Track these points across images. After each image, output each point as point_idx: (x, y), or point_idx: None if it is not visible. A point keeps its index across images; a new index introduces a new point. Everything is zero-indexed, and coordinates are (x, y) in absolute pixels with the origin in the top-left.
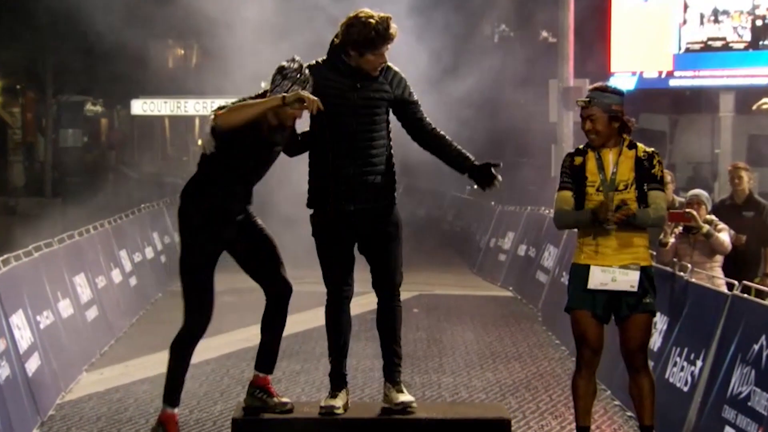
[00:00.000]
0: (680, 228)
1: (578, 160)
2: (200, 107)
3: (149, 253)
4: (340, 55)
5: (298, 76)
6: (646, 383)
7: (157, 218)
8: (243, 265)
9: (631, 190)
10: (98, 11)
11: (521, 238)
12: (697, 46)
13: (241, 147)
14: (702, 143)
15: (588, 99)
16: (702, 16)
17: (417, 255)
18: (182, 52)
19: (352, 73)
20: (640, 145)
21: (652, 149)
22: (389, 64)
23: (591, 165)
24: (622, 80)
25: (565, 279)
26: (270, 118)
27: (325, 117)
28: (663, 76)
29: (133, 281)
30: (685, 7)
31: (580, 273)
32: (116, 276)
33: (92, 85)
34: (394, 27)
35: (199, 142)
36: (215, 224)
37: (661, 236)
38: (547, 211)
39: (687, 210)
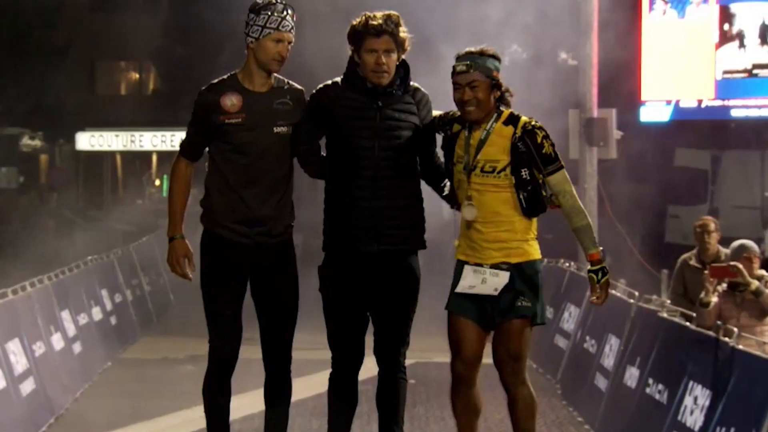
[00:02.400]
0: (724, 285)
1: (456, 127)
2: (158, 141)
3: (97, 314)
4: (357, 71)
5: (271, 7)
6: (521, 402)
7: (106, 273)
8: (257, 314)
9: (502, 176)
10: (35, 24)
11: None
12: (739, 76)
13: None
14: (750, 185)
15: (468, 63)
16: (742, 37)
17: (430, 317)
18: (137, 76)
19: (371, 90)
20: (523, 118)
21: (534, 122)
22: (417, 85)
23: (461, 140)
24: (655, 110)
25: (588, 344)
26: (258, 61)
27: (342, 139)
28: (703, 105)
29: (77, 348)
30: (723, 20)
31: (457, 270)
32: (57, 342)
33: (30, 115)
34: (381, 19)
35: (157, 182)
36: (213, 247)
37: (702, 294)
38: (567, 264)
39: (732, 263)
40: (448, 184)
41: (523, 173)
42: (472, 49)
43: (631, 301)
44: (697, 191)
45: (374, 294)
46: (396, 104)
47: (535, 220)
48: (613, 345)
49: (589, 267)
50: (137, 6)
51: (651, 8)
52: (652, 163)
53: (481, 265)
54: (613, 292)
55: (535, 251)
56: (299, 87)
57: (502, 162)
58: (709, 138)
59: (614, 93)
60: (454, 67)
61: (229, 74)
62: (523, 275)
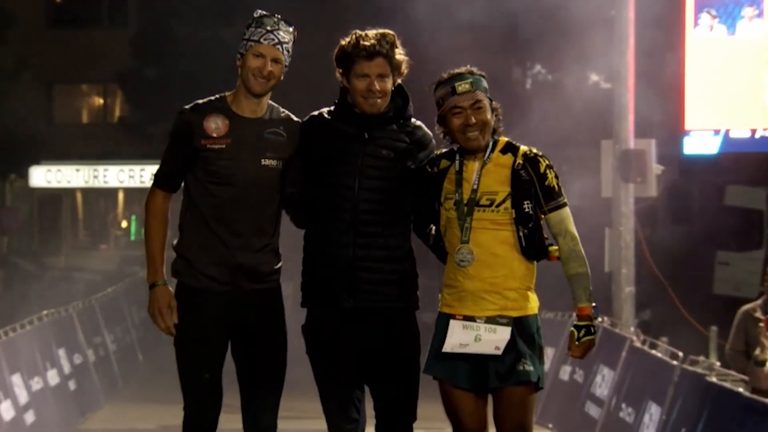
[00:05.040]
0: None
1: (444, 163)
2: (125, 177)
3: (53, 377)
4: (347, 98)
5: (261, 20)
6: None
7: (65, 329)
8: (238, 376)
9: (501, 209)
10: None
11: (564, 356)
12: None
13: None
14: None
15: (471, 81)
16: None
17: (424, 378)
18: (101, 101)
19: (360, 120)
20: (522, 147)
21: (536, 150)
22: (419, 123)
23: (451, 174)
24: (702, 141)
25: (624, 413)
26: (242, 80)
27: (321, 175)
28: (758, 135)
29: (29, 417)
30: None
31: (441, 326)
32: (6, 411)
33: None
34: (374, 38)
35: (124, 223)
36: (188, 300)
37: (757, 351)
38: (600, 319)
39: None
40: (434, 229)
41: (526, 206)
42: (459, 69)
43: (675, 362)
44: (751, 235)
45: (362, 360)
46: (385, 139)
47: (534, 267)
48: (653, 414)
49: (575, 321)
50: (101, 21)
51: (696, 23)
52: (698, 203)
53: (473, 318)
54: (654, 352)
55: (534, 304)
56: (297, 119)
57: (502, 193)
58: (765, 173)
59: (654, 121)
60: (453, 87)
61: (217, 95)
62: (525, 333)
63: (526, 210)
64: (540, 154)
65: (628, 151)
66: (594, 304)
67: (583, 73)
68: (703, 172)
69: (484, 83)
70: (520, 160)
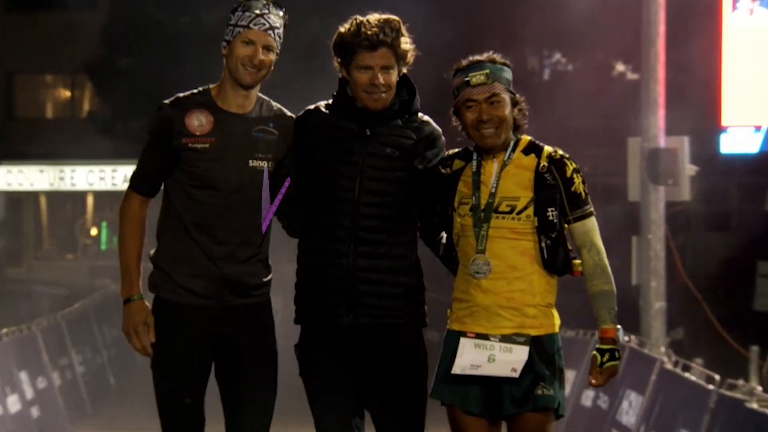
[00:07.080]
0: None
1: (458, 164)
2: (95, 178)
3: (13, 404)
4: (346, 91)
5: (249, 3)
6: None
7: (26, 350)
8: (222, 401)
9: (523, 217)
10: None
11: (587, 379)
12: None
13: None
14: None
15: (488, 72)
16: None
17: (429, 402)
18: (68, 94)
19: (361, 115)
20: (547, 148)
21: (561, 152)
22: (427, 118)
23: (466, 176)
24: (740, 138)
25: None
26: (229, 71)
27: (317, 176)
28: None
29: None
30: None
31: (450, 345)
32: None
33: None
34: (377, 26)
35: (94, 231)
36: (166, 317)
37: None
38: (626, 338)
39: None
40: (445, 237)
41: (550, 213)
42: (478, 57)
43: (711, 386)
44: None
45: (363, 384)
46: (390, 136)
47: (556, 282)
48: None
49: (598, 345)
50: (68, 4)
51: (734, 7)
52: (736, 207)
53: (486, 336)
54: (687, 375)
55: (556, 322)
56: (290, 114)
57: (524, 199)
58: None
59: (687, 116)
60: (468, 78)
61: (200, 88)
62: (544, 354)
63: (550, 218)
64: (567, 156)
65: (658, 150)
66: (619, 326)
67: (608, 62)
68: (743, 173)
69: (506, 73)
70: (544, 162)
